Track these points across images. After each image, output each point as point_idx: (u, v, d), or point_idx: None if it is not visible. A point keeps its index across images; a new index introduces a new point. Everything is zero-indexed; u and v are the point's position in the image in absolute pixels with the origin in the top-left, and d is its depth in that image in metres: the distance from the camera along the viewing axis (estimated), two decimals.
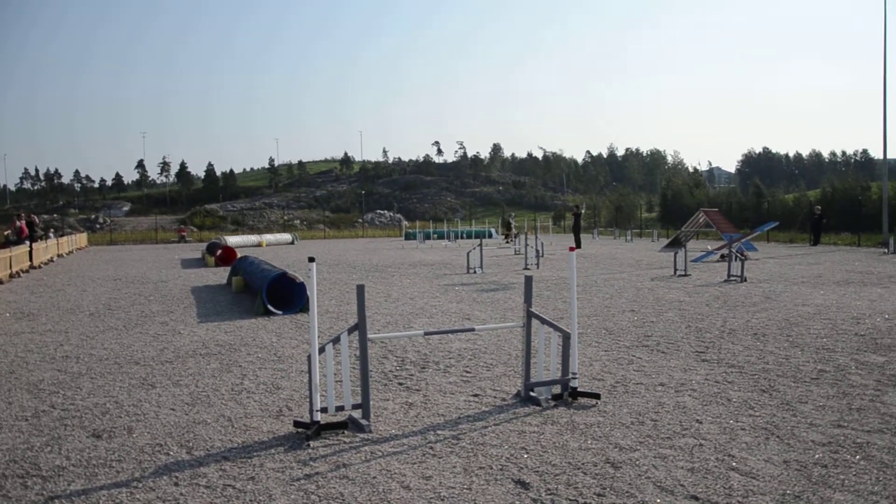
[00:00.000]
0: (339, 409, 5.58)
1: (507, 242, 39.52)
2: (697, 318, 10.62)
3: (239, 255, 21.73)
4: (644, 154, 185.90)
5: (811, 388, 6.47)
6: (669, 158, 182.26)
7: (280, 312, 11.81)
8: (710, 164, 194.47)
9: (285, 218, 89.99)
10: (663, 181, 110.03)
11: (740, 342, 8.73)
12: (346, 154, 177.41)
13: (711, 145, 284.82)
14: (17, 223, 26.59)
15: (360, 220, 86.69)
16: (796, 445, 4.92)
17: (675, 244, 23.92)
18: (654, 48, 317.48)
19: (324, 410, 5.47)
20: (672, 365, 7.57)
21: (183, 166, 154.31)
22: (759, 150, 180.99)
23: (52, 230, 42.80)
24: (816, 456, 4.71)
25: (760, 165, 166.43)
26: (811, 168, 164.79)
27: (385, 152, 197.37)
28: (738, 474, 4.42)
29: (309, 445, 5.12)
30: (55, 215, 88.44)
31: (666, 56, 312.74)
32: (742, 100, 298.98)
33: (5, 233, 29.34)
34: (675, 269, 17.75)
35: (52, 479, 4.58)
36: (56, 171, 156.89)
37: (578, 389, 6.24)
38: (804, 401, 6.06)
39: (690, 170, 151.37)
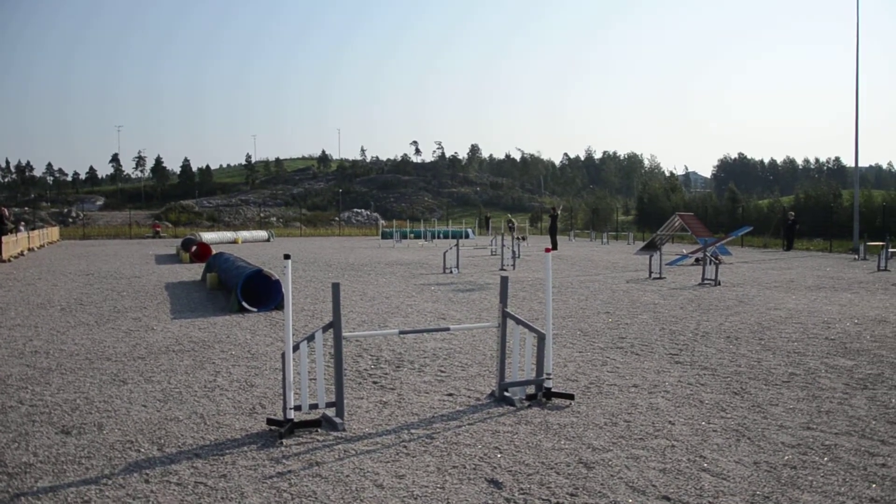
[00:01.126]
0: (313, 407, 5.55)
1: (521, 239, 38.95)
2: (671, 321, 10.71)
3: (214, 252, 21.57)
4: (621, 157, 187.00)
5: (782, 391, 6.54)
6: (646, 162, 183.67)
7: (255, 310, 11.73)
8: (687, 168, 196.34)
9: (262, 215, 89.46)
10: (640, 185, 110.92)
11: (713, 345, 8.81)
12: (323, 152, 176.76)
13: (688, 150, 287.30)
14: None
15: (337, 219, 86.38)
16: (766, 447, 4.97)
17: (651, 247, 24.10)
18: (632, 51, 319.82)
19: (297, 408, 5.44)
20: (646, 367, 7.63)
21: (158, 161, 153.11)
22: (734, 155, 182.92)
23: (22, 223, 42.17)
24: (786, 457, 4.77)
25: (736, 171, 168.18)
26: (785, 174, 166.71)
27: (363, 151, 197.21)
28: (709, 475, 4.46)
29: (282, 443, 5.09)
30: (26, 208, 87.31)
31: (644, 59, 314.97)
32: (718, 105, 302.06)
33: None
34: (651, 272, 17.88)
35: (19, 475, 4.51)
36: (28, 163, 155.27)
37: (552, 390, 6.26)
38: (775, 403, 6.13)
39: (667, 174, 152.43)
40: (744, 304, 12.54)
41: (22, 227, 35.92)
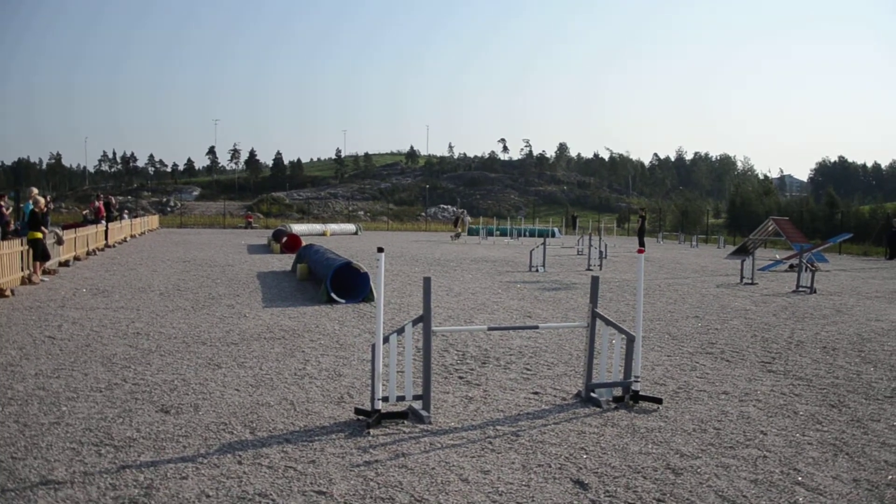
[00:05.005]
0: (400, 399, 5.63)
1: (456, 238, 40.25)
2: (764, 328, 10.38)
3: (304, 244, 22.09)
4: (713, 159, 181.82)
5: (884, 407, 6.26)
6: (739, 164, 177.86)
7: (343, 301, 11.97)
8: (782, 171, 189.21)
9: (350, 209, 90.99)
10: (732, 187, 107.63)
11: (808, 355, 8.50)
12: (411, 148, 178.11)
13: (783, 152, 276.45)
14: (96, 203, 27.54)
15: (424, 214, 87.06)
16: (867, 464, 4.77)
17: (743, 252, 23.41)
18: (728, 53, 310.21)
19: (385, 399, 5.53)
20: (736, 374, 7.42)
21: (252, 154, 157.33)
22: (834, 158, 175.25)
23: (126, 211, 44.18)
24: (890, 477, 4.56)
25: (835, 175, 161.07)
26: (890, 179, 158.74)
27: (451, 147, 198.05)
28: (804, 489, 4.31)
29: (369, 433, 5.19)
30: (129, 197, 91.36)
31: (739, 61, 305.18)
32: (818, 106, 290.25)
33: (83, 212, 30.44)
34: (742, 277, 17.36)
35: (124, 449, 4.74)
36: (132, 154, 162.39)
37: (640, 393, 6.17)
38: (876, 419, 5.86)
39: (760, 177, 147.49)
40: (842, 314, 12.03)
41: (125, 215, 37.64)
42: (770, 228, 26.30)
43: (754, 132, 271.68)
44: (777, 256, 25.28)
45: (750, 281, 17.05)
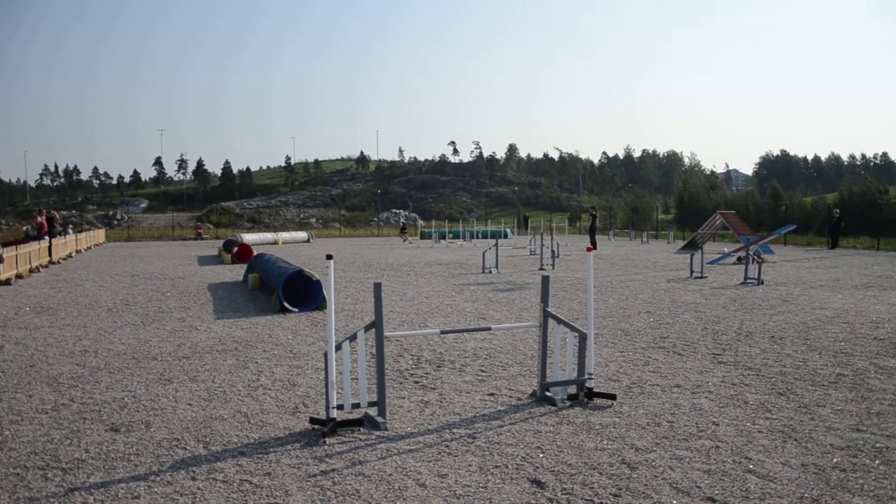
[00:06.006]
0: (355, 406, 5.60)
1: (409, 242, 43.32)
2: (714, 321, 10.57)
3: (255, 253, 21.83)
4: (660, 156, 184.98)
5: (829, 392, 6.42)
6: (686, 160, 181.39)
7: (296, 310, 11.85)
8: (728, 166, 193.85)
9: (301, 216, 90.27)
10: (680, 183, 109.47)
11: (757, 345, 8.68)
12: (362, 153, 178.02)
13: (728, 147, 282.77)
14: (38, 219, 26.86)
15: (376, 220, 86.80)
16: (814, 449, 4.89)
17: (692, 246, 23.83)
18: (671, 49, 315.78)
19: (340, 408, 5.49)
20: (688, 367, 7.54)
21: (200, 164, 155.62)
22: (776, 152, 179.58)
23: (70, 226, 43.12)
24: (835, 460, 4.68)
25: (778, 168, 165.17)
26: (830, 171, 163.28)
27: (401, 151, 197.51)
28: (755, 477, 4.39)
29: (325, 442, 5.14)
30: (74, 211, 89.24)
31: (682, 57, 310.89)
32: (759, 102, 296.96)
33: (24, 228, 29.65)
34: (692, 272, 17.67)
35: (72, 471, 4.62)
36: (75, 167, 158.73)
37: (594, 390, 6.22)
38: (822, 404, 6.01)
39: (707, 172, 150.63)
40: (788, 304, 12.33)
41: (70, 230, 36.75)
42: (717, 222, 26.79)
43: (700, 128, 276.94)
44: (725, 250, 25.79)
45: (700, 275, 17.37)
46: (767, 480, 4.34)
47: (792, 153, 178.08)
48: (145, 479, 4.49)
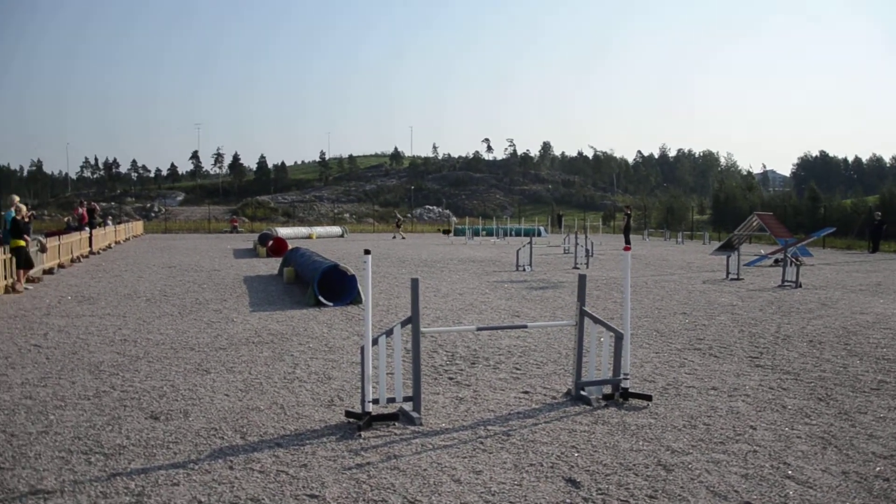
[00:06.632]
0: (391, 401, 5.63)
1: (401, 237, 44.46)
2: (751, 323, 10.44)
3: (290, 247, 22.03)
4: (696, 155, 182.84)
5: (871, 399, 6.31)
6: (722, 160, 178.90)
7: (331, 304, 11.94)
8: (765, 166, 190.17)
9: (335, 211, 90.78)
10: (716, 183, 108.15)
11: (795, 349, 8.56)
12: (396, 149, 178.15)
13: (766, 148, 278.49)
14: (79, 210, 27.35)
15: (409, 215, 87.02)
16: (855, 456, 4.81)
17: (728, 247, 23.58)
18: (708, 49, 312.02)
19: (375, 402, 5.52)
20: (725, 369, 7.47)
21: (236, 158, 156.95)
22: (815, 153, 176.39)
23: (110, 218, 43.87)
24: (878, 469, 4.60)
25: (817, 169, 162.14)
26: (871, 173, 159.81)
27: (435, 148, 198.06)
28: (794, 483, 4.34)
29: (360, 436, 5.18)
30: (113, 203, 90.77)
31: (722, 59, 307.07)
32: (798, 102, 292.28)
33: (66, 219, 30.23)
34: (728, 273, 17.47)
35: (114, 456, 4.71)
36: (114, 160, 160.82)
37: (630, 390, 6.19)
38: (863, 411, 5.91)
39: (744, 172, 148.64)
40: (827, 308, 12.13)
41: (109, 222, 37.39)
42: (754, 224, 26.48)
43: (737, 128, 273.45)
44: (762, 251, 25.46)
45: (736, 276, 17.16)
46: (807, 487, 4.28)
47: (831, 154, 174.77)
48: (184, 466, 4.56)
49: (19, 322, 10.23)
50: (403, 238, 43.15)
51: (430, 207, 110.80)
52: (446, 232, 53.14)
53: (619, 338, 6.21)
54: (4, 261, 13.78)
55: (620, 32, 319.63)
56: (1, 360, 7.70)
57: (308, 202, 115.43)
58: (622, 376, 6.17)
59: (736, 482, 4.35)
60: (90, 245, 24.92)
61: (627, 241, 31.61)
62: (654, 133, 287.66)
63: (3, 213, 17.27)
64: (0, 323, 10.16)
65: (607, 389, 6.27)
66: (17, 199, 15.05)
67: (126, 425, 5.39)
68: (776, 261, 21.56)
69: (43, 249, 16.87)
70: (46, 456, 4.71)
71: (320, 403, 6.06)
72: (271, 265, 20.33)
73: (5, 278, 13.74)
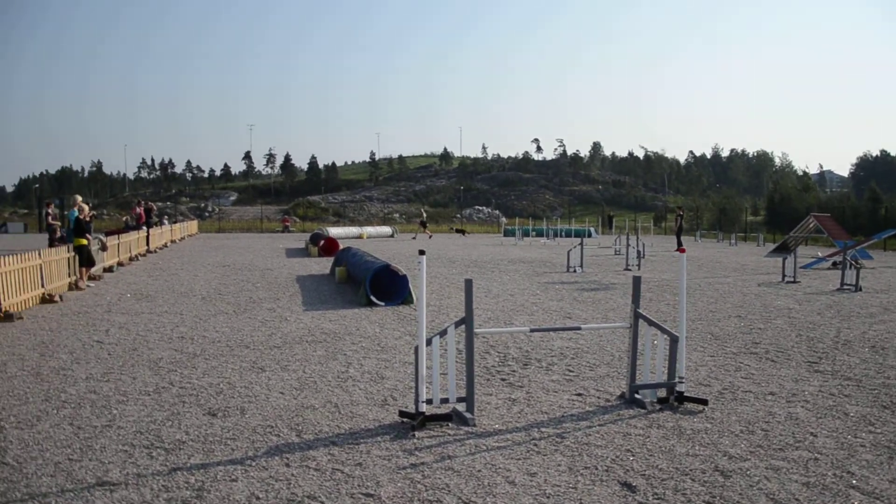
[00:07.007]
0: (444, 401, 5.65)
1: (421, 235, 44.22)
2: (809, 327, 10.21)
3: (341, 247, 22.24)
4: (750, 155, 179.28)
5: None
6: (777, 160, 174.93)
7: (382, 304, 12.03)
8: (821, 167, 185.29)
9: (385, 211, 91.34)
10: (770, 184, 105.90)
11: (857, 354, 8.34)
12: (445, 149, 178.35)
13: (823, 147, 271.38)
14: (137, 210, 28.03)
15: (459, 216, 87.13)
16: None
17: (783, 249, 23.06)
18: (763, 46, 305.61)
19: (429, 402, 5.55)
20: (782, 374, 7.31)
21: (287, 159, 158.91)
22: (876, 152, 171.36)
23: (166, 217, 44.86)
24: None
25: (878, 169, 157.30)
26: None
27: (484, 148, 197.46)
28: (859, 493, 4.23)
29: (414, 435, 5.21)
30: (168, 203, 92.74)
31: (776, 54, 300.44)
32: (857, 100, 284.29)
33: (124, 218, 31.02)
34: (784, 276, 17.10)
35: (174, 451, 4.83)
36: (170, 161, 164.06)
37: (685, 394, 6.11)
38: None
39: (800, 172, 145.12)
40: (890, 312, 11.78)
41: (165, 221, 38.23)
42: (811, 225, 25.83)
43: (793, 128, 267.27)
44: (819, 254, 24.86)
45: (792, 279, 16.79)
46: (873, 498, 4.17)
47: (893, 153, 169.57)
48: (242, 463, 4.65)
49: (82, 319, 10.53)
50: (430, 237, 43.12)
51: (480, 208, 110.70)
52: (461, 231, 54.34)
53: (674, 340, 6.12)
54: (68, 259, 14.21)
55: (672, 33, 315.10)
56: (66, 355, 7.94)
57: (358, 202, 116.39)
58: (677, 380, 6.09)
59: (797, 490, 4.26)
60: (147, 244, 25.53)
61: (679, 243, 31.18)
62: (706, 133, 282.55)
63: (66, 212, 17.79)
64: (65, 319, 10.48)
65: (662, 393, 6.19)
66: (80, 198, 15.50)
67: (185, 421, 5.51)
68: (834, 263, 21.03)
69: (104, 248, 17.34)
70: (111, 449, 4.84)
71: (374, 403, 6.11)
72: (323, 264, 20.56)
73: (69, 276, 14.16)
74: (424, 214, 52.60)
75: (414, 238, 42.34)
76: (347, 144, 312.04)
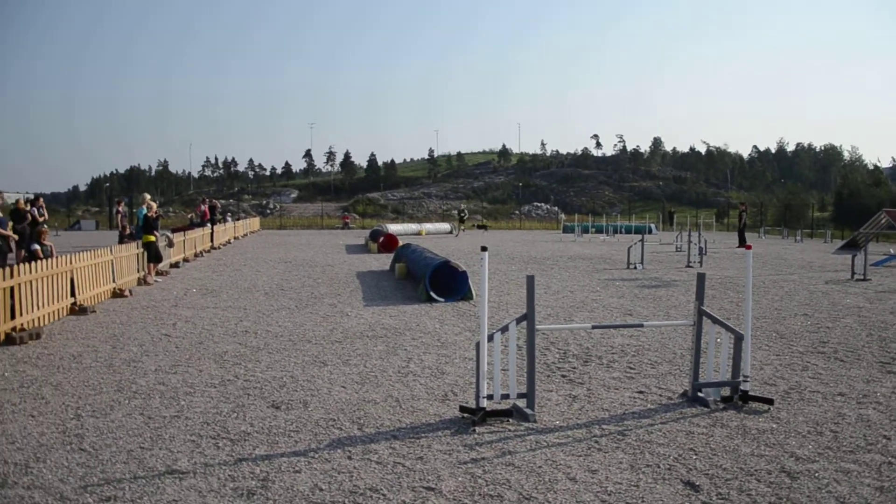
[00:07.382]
0: (505, 397, 5.65)
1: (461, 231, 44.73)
2: (881, 327, 9.89)
3: (400, 243, 22.39)
4: (817, 149, 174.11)
5: None
6: (846, 154, 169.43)
7: (442, 300, 12.08)
8: (894, 160, 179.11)
9: (443, 208, 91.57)
10: (838, 179, 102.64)
11: None
12: (503, 146, 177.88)
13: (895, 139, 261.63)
14: (201, 207, 28.70)
15: (518, 212, 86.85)
16: None
17: (853, 246, 22.32)
18: (827, 36, 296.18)
19: (489, 398, 5.56)
20: (852, 374, 7.11)
21: (347, 156, 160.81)
22: None
23: (229, 214, 45.83)
24: None
25: None
26: None
27: (543, 144, 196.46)
28: None
29: (475, 431, 5.23)
30: (231, 200, 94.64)
31: (843, 45, 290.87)
32: None
33: (189, 216, 31.81)
34: (853, 273, 16.60)
35: (240, 442, 4.95)
36: (233, 159, 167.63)
37: (750, 393, 5.99)
38: None
39: (870, 167, 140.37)
40: None
41: (228, 218, 39.06)
42: (883, 221, 24.91)
43: (862, 119, 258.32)
44: (892, 251, 24.02)
45: (862, 277, 16.29)
46: None
47: None
48: (305, 455, 4.73)
49: (151, 313, 10.85)
50: (464, 231, 43.69)
51: (539, 204, 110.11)
52: (483, 227, 55.32)
53: (738, 339, 6.01)
54: (137, 255, 14.65)
55: (731, 21, 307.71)
56: (136, 347, 8.20)
57: (417, 199, 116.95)
58: (742, 378, 5.98)
59: (869, 494, 4.14)
60: (211, 240, 26.14)
61: (743, 240, 30.49)
62: (771, 127, 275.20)
63: (135, 210, 18.33)
64: (134, 313, 10.81)
65: (725, 392, 6.09)
66: (148, 197, 15.96)
67: (250, 413, 5.64)
68: None
69: (170, 244, 17.82)
70: (179, 439, 4.99)
71: (434, 398, 6.16)
72: (382, 261, 20.73)
73: (138, 271, 14.61)
74: (467, 212, 53.34)
75: (464, 231, 42.75)
76: (406, 142, 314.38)
